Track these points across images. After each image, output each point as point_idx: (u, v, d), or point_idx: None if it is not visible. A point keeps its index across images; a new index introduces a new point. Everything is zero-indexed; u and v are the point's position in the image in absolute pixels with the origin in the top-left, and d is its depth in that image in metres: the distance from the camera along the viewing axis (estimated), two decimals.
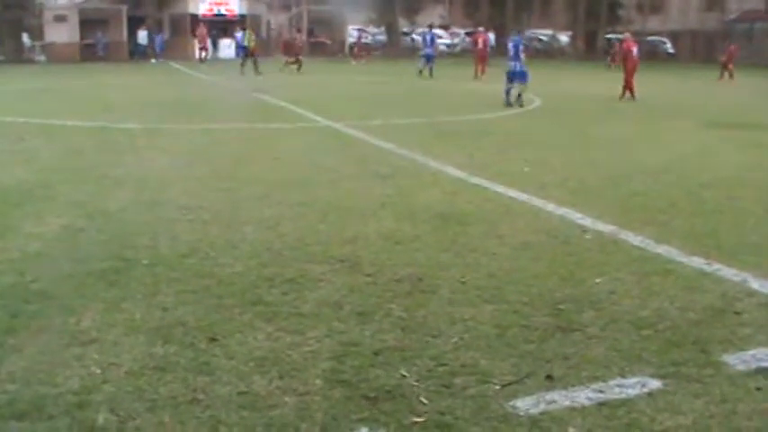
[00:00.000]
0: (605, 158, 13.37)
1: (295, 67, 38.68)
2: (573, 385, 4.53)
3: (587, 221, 8.48)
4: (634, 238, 7.80)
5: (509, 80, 22.38)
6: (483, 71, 35.13)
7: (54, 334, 5.21)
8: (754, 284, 6.37)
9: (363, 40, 56.82)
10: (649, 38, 61.43)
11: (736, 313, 5.74)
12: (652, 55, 56.44)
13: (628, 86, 24.95)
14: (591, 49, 65.32)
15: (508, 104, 21.93)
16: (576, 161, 12.96)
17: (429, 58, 35.82)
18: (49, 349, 4.96)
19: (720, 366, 4.79)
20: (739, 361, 4.87)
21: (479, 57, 36.24)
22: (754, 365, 4.81)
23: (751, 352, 5.01)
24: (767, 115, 22.27)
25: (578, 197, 9.84)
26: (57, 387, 4.45)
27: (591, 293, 6.15)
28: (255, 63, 36.43)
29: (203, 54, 50.75)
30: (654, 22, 67.95)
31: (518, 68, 22.21)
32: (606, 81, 30.75)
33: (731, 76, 37.69)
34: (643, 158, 13.25)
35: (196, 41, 53.08)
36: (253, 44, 37.59)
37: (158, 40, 54.82)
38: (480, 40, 36.92)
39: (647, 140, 15.94)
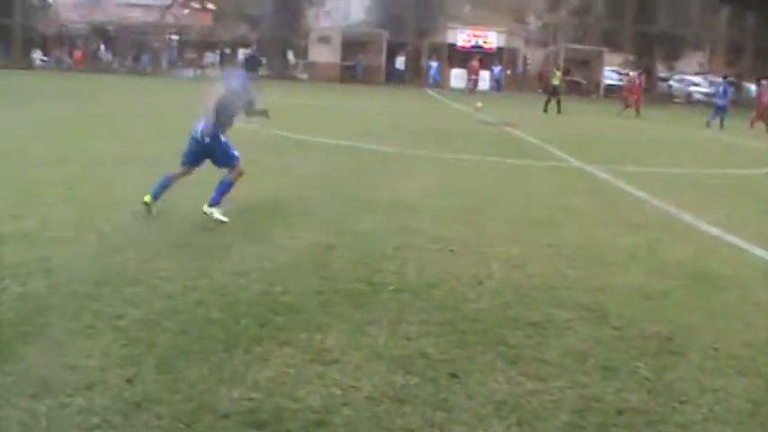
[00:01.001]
0: None
1: (629, 110, 37.00)
2: None
3: None
4: None
5: None
6: (753, 125, 33.74)
7: (299, 348, 5.33)
8: None
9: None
10: None
11: None
12: None
13: None
14: None
15: None
16: None
17: (721, 110, 34.47)
18: (293, 363, 5.08)
19: None
20: None
21: (760, 111, 34.79)
22: None
23: None
24: None
25: None
26: (297, 402, 4.53)
27: None
28: (559, 102, 35.87)
29: (471, 85, 51.63)
30: None
31: None
32: None
33: None
34: None
35: (466, 71, 54.18)
36: (559, 83, 37.30)
37: (434, 67, 56.32)
38: (766, 95, 35.41)
39: None
